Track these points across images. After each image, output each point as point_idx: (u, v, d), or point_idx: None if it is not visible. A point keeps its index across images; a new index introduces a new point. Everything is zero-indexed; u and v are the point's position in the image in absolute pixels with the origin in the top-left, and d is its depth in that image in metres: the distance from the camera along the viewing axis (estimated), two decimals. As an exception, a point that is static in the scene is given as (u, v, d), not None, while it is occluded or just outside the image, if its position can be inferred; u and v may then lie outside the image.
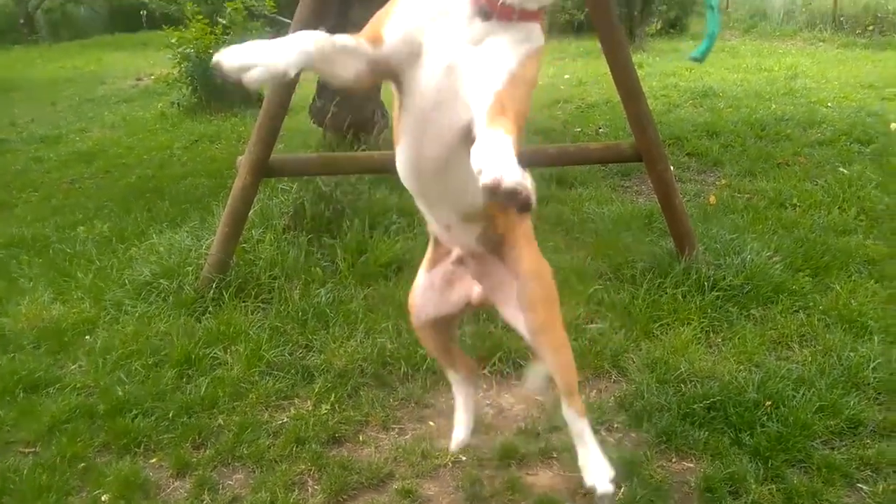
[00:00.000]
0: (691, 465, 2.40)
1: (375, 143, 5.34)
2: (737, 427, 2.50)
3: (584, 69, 11.74)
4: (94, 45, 19.93)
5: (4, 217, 4.97)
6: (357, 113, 5.41)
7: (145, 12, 23.62)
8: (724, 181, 5.29)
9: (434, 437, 2.56)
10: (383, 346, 3.01)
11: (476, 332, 3.13)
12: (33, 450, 2.45)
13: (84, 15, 24.32)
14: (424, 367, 2.91)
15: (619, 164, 5.03)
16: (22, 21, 21.44)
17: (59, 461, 2.35)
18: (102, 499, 2.20)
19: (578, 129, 7.18)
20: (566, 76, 11.36)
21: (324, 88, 5.47)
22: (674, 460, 2.42)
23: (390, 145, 5.49)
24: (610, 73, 3.41)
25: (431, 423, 2.65)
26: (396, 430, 2.61)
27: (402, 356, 2.96)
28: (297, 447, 2.45)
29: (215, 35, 8.85)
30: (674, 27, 17.03)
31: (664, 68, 11.08)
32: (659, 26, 17.18)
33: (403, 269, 3.75)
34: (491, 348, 3.00)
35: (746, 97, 8.33)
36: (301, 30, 3.13)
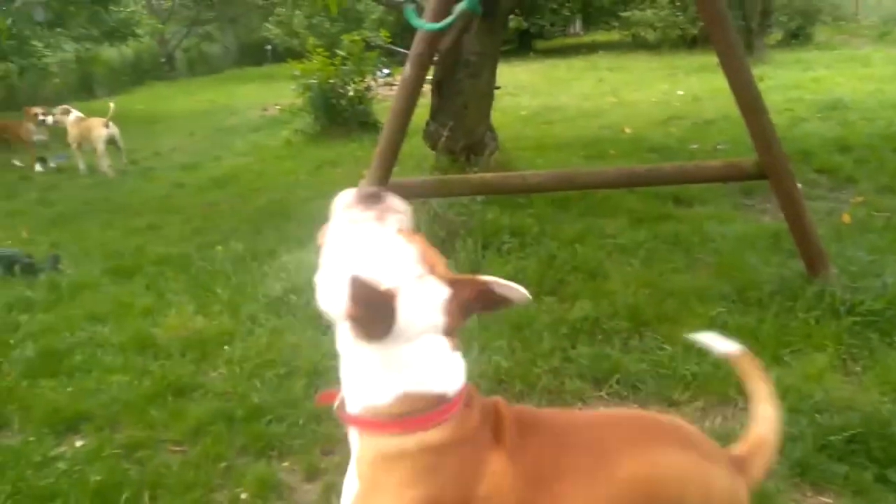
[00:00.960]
0: (829, 500, 2.26)
1: (486, 165, 5.45)
2: (881, 462, 2.33)
3: (698, 84, 11.37)
4: (226, 78, 21.60)
5: (154, 237, 5.48)
6: (469, 136, 5.56)
7: (270, 47, 25.37)
8: (859, 198, 4.96)
9: (551, 456, 2.56)
10: (498, 364, 3.06)
11: (593, 353, 3.11)
12: (182, 448, 2.68)
13: (217, 52, 26.39)
14: (539, 386, 2.93)
15: (741, 181, 4.84)
16: (164, 60, 23.59)
17: (204, 460, 2.56)
18: (242, 497, 2.38)
19: (695, 146, 6.96)
20: (679, 92, 11.05)
21: (437, 112, 5.66)
22: (809, 494, 2.29)
23: (502, 166, 5.57)
24: (729, 87, 3.32)
25: (548, 442, 2.66)
26: (513, 446, 2.64)
27: (516, 374, 2.99)
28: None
29: (335, 66, 9.36)
30: (796, 37, 16.15)
31: (787, 80, 10.54)
32: (780, 37, 16.34)
33: (517, 289, 3.79)
34: (608, 370, 2.97)
35: (882, 108, 7.77)
36: (416, 57, 3.26)
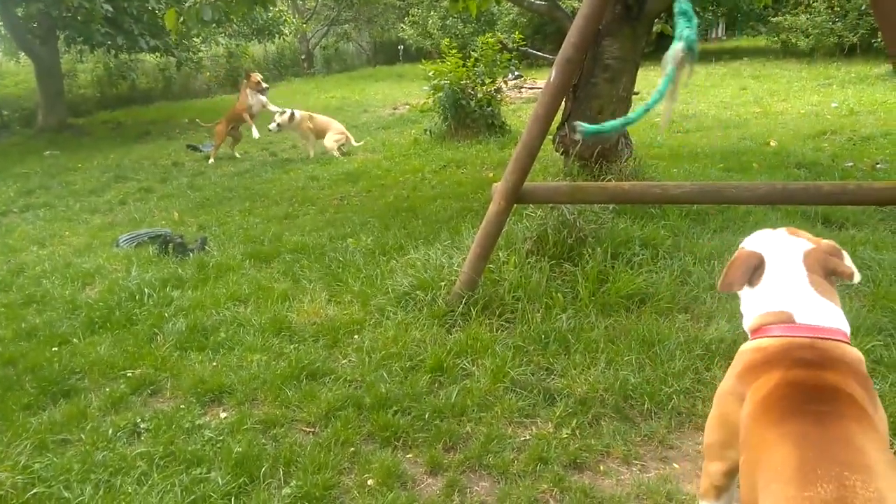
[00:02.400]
0: None
1: (620, 173, 5.30)
2: None
3: (855, 97, 10.49)
4: (359, 76, 22.46)
5: (291, 227, 5.79)
6: (602, 142, 5.42)
7: (402, 47, 26.13)
8: None
9: (679, 480, 2.46)
10: (626, 379, 2.97)
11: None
12: (313, 430, 2.82)
13: (352, 50, 27.49)
14: (670, 406, 2.82)
15: (905, 205, 4.40)
16: (303, 57, 24.85)
17: (334, 443, 2.68)
18: (368, 483, 2.46)
19: (850, 164, 6.42)
20: (833, 104, 10.24)
21: (571, 117, 5.57)
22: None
23: (634, 175, 5.40)
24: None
25: (676, 466, 2.55)
26: (638, 466, 2.56)
27: (645, 392, 2.89)
28: (539, 466, 2.51)
29: (466, 67, 9.47)
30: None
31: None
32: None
33: (646, 303, 3.67)
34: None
35: None
36: (563, 63, 3.22)
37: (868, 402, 1.49)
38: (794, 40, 16.98)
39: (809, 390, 1.49)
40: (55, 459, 2.65)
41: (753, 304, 1.74)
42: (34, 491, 2.46)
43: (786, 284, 1.67)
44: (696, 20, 2.76)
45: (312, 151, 9.40)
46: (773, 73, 14.74)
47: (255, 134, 9.39)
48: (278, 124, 9.24)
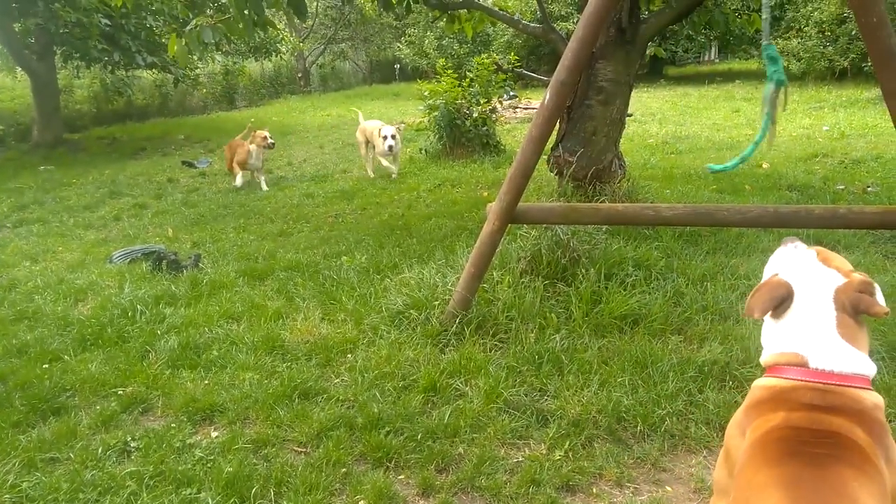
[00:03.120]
0: None
1: (614, 193, 5.34)
2: None
3: (846, 120, 10.62)
4: (355, 95, 22.60)
5: (285, 244, 5.79)
6: (596, 163, 5.47)
7: (398, 66, 26.34)
8: None
9: (672, 504, 2.45)
10: (619, 401, 2.97)
11: (722, 400, 2.96)
12: (305, 450, 2.80)
13: (348, 69, 27.69)
14: (662, 428, 2.82)
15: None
16: (299, 75, 25.01)
17: (325, 464, 2.66)
18: (360, 504, 2.45)
19: (841, 187, 6.49)
20: (824, 127, 10.36)
21: (564, 138, 5.62)
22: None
23: (627, 196, 5.42)
24: (894, 123, 3.06)
25: (669, 489, 2.54)
26: (631, 488, 2.55)
27: (638, 413, 2.89)
28: (532, 488, 2.50)
29: (462, 87, 9.55)
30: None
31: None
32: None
33: (639, 324, 3.68)
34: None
35: None
36: (558, 85, 3.26)
37: (877, 450, 1.43)
38: (785, 64, 17.20)
39: (809, 434, 1.44)
40: (44, 478, 2.62)
41: (773, 338, 1.67)
42: (21, 511, 2.43)
43: (809, 324, 1.58)
44: (781, 61, 2.87)
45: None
46: (765, 96, 14.91)
47: (238, 182, 8.62)
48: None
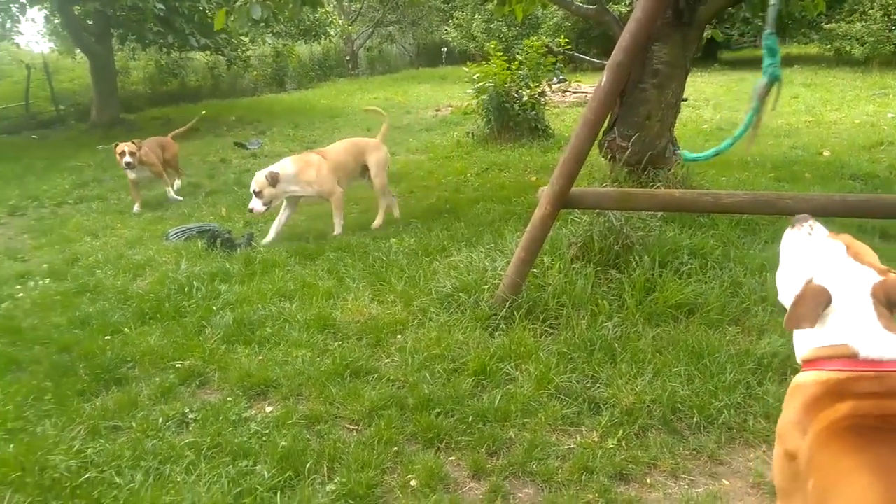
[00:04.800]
0: None
1: (667, 180, 5.22)
2: None
3: (915, 107, 10.15)
4: (402, 78, 22.59)
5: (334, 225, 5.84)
6: (650, 148, 5.34)
7: (445, 49, 26.21)
8: None
9: (729, 498, 2.40)
10: (674, 391, 2.91)
11: (782, 393, 2.87)
12: (357, 428, 2.83)
13: (395, 52, 27.69)
14: (720, 420, 2.75)
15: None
16: (347, 58, 25.13)
17: (377, 442, 2.68)
18: (411, 483, 2.46)
19: (909, 177, 6.20)
20: (889, 115, 9.91)
21: (617, 122, 5.50)
22: None
23: (681, 182, 5.27)
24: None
25: (726, 482, 2.49)
26: (686, 480, 2.50)
27: (694, 405, 2.83)
28: (585, 475, 2.48)
29: (511, 71, 9.44)
30: None
31: None
32: None
33: (695, 314, 3.60)
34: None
35: None
36: (615, 66, 3.20)
37: None
38: (848, 48, 16.52)
39: (885, 420, 1.44)
40: (107, 445, 2.72)
41: (811, 335, 1.66)
42: (87, 475, 2.52)
43: (853, 318, 1.60)
44: (779, 55, 2.76)
45: None
46: (826, 82, 14.35)
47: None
48: None
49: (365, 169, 5.96)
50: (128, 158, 6.81)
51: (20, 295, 4.56)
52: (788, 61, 18.32)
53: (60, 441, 2.75)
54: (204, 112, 10.29)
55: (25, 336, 3.82)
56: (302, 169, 5.45)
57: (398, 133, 11.80)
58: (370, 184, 5.98)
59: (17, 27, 14.94)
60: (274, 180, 5.32)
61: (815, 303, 1.62)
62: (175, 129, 8.45)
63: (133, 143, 6.95)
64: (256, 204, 5.37)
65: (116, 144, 6.98)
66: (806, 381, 1.64)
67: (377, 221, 5.81)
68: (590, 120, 3.37)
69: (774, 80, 2.70)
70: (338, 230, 5.55)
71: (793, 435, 1.61)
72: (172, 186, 7.51)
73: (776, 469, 1.72)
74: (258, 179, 5.35)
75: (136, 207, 6.98)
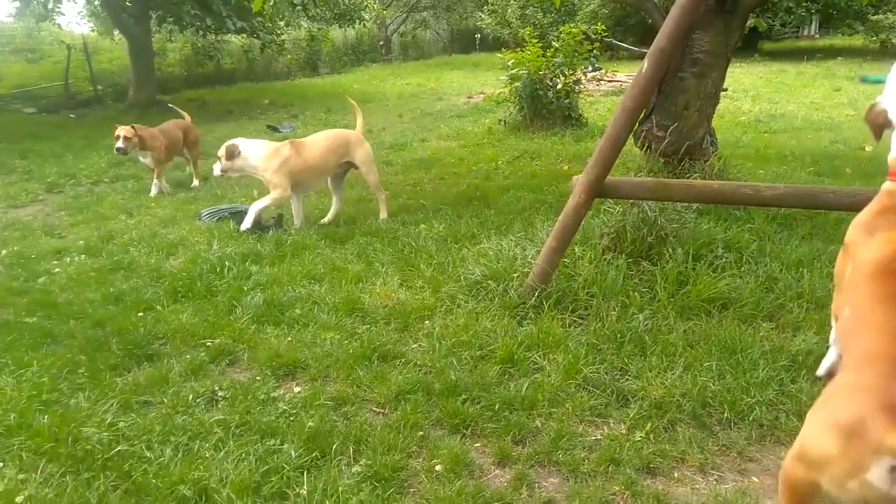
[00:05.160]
0: None
1: (704, 171, 5.11)
2: None
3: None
4: (435, 64, 22.54)
5: (364, 210, 5.87)
6: (687, 138, 5.24)
7: (479, 36, 26.03)
8: None
9: (759, 495, 2.35)
10: (705, 386, 2.86)
11: (817, 392, 2.80)
12: (383, 411, 2.84)
13: (429, 38, 27.58)
14: (751, 417, 2.70)
15: None
16: (381, 43, 25.12)
17: (403, 426, 2.69)
18: (436, 468, 2.46)
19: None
20: (938, 110, 9.57)
21: (654, 111, 5.40)
22: None
23: (717, 174, 5.14)
24: None
25: (755, 479, 2.44)
26: (715, 476, 2.46)
27: (725, 400, 2.77)
28: (611, 467, 2.45)
29: (546, 58, 9.33)
30: None
31: None
32: None
33: (729, 308, 3.53)
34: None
35: None
36: (657, 53, 3.13)
37: None
38: (894, 40, 15.99)
39: None
40: (138, 420, 2.77)
41: None
42: (118, 448, 2.57)
43: None
44: None
45: None
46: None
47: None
48: None
49: (348, 165, 5.66)
50: (119, 144, 6.53)
51: (56, 270, 4.67)
52: (832, 53, 17.83)
53: (93, 414, 2.81)
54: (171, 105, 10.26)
55: (61, 310, 3.90)
56: (267, 157, 5.23)
57: (429, 119, 11.78)
58: (336, 183, 5.69)
59: (58, 7, 15.19)
60: (231, 154, 5.21)
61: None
62: (209, 111, 8.50)
63: (132, 127, 6.72)
64: (216, 167, 5.34)
65: (115, 127, 6.80)
66: (888, 189, 1.92)
67: (382, 213, 5.60)
68: (628, 107, 3.31)
69: None
70: (246, 225, 5.18)
71: (857, 232, 1.90)
72: (195, 175, 7.41)
73: (837, 261, 2.05)
74: (224, 147, 5.30)
75: (153, 190, 6.85)
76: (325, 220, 5.59)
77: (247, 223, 5.20)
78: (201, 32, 14.66)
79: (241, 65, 19.60)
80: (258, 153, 5.25)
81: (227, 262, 4.42)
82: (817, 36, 23.53)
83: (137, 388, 3.03)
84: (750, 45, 19.37)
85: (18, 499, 2.31)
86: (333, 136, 5.64)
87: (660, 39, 3.12)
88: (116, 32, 16.31)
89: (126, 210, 6.25)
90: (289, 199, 5.39)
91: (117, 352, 3.36)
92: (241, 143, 5.30)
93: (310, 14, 16.35)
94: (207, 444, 2.59)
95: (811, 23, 22.77)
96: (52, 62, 18.24)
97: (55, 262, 4.85)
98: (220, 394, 2.96)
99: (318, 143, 5.48)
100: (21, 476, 2.44)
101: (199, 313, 3.76)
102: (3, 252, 5.14)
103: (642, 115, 5.50)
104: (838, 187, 3.41)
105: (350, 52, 23.59)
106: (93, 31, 20.54)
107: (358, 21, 19.40)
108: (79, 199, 6.91)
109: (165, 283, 4.21)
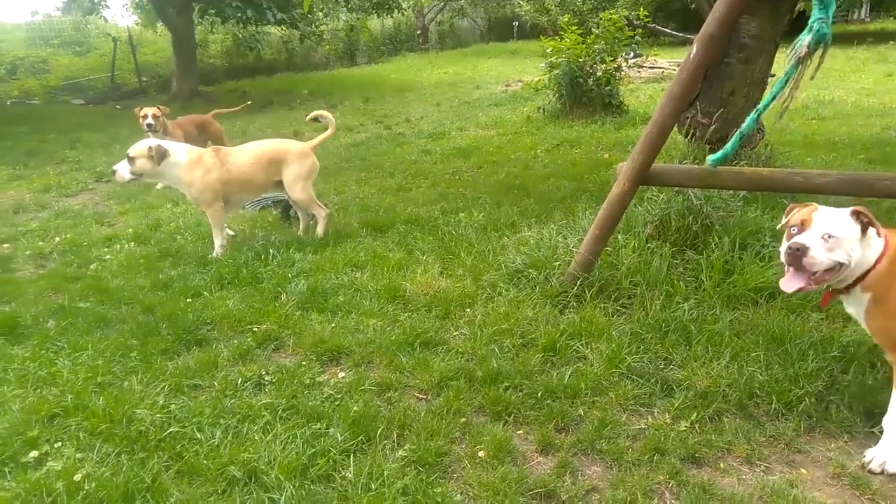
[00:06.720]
0: None
1: (751, 158, 5.00)
2: None
3: None
4: (472, 53, 22.41)
5: (404, 198, 5.89)
6: (733, 125, 5.11)
7: (517, 23, 25.79)
8: None
9: (807, 487, 2.31)
10: (752, 376, 2.82)
11: (867, 384, 2.73)
12: (426, 397, 2.87)
13: (466, 26, 27.44)
14: (800, 408, 2.65)
15: None
16: (418, 32, 25.09)
17: (446, 412, 2.71)
18: (479, 454, 2.48)
19: None
20: None
21: (698, 98, 5.29)
22: None
23: (767, 161, 4.99)
24: None
25: (803, 471, 2.40)
26: (762, 467, 2.42)
27: (773, 391, 2.72)
28: (656, 456, 2.43)
29: (586, 45, 9.20)
30: None
31: None
32: None
33: (776, 298, 3.45)
34: (883, 407, 2.58)
35: None
36: (706, 38, 3.06)
37: None
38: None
39: None
40: (189, 402, 2.84)
41: None
42: (170, 430, 2.65)
43: None
44: (833, 6, 2.33)
45: None
46: (927, 59, 13.39)
47: None
48: None
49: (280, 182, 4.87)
50: (150, 120, 6.55)
51: (107, 257, 4.81)
52: (884, 37, 17.17)
53: (145, 396, 2.89)
54: (249, 102, 10.42)
55: (113, 296, 4.03)
56: (191, 165, 4.53)
57: (467, 108, 11.75)
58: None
59: (104, 1, 15.57)
60: (160, 157, 4.43)
61: None
62: (253, 101, 8.63)
63: (158, 107, 6.81)
64: (123, 169, 4.43)
65: (140, 108, 6.83)
66: None
67: (319, 229, 4.89)
68: (676, 93, 3.25)
69: (821, 39, 2.33)
70: (217, 250, 4.61)
71: None
72: None
73: None
74: (139, 147, 4.44)
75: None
76: (314, 234, 4.92)
77: (216, 250, 4.62)
78: (242, 24, 14.86)
79: (281, 56, 19.82)
80: (181, 160, 4.54)
81: (271, 250, 4.50)
82: (868, 19, 22.68)
83: (187, 371, 3.12)
84: (799, 30, 18.74)
85: (77, 477, 2.40)
86: (263, 151, 4.78)
87: (709, 24, 3.05)
88: (160, 24, 16.63)
89: (172, 199, 6.40)
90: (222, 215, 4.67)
91: (167, 336, 3.46)
92: (166, 145, 4.55)
93: (349, 5, 16.43)
94: (256, 427, 2.65)
95: (862, 6, 21.96)
96: (99, 54, 18.72)
97: (105, 250, 5.00)
98: (267, 378, 3.02)
99: (245, 157, 4.72)
100: (79, 455, 2.53)
101: (245, 300, 3.84)
102: (57, 239, 5.33)
103: (686, 101, 5.39)
104: (894, 174, 3.29)
105: (387, 42, 23.64)
106: (137, 23, 20.99)
107: (396, 10, 19.43)
108: (126, 188, 7.09)
109: (212, 270, 4.31)
